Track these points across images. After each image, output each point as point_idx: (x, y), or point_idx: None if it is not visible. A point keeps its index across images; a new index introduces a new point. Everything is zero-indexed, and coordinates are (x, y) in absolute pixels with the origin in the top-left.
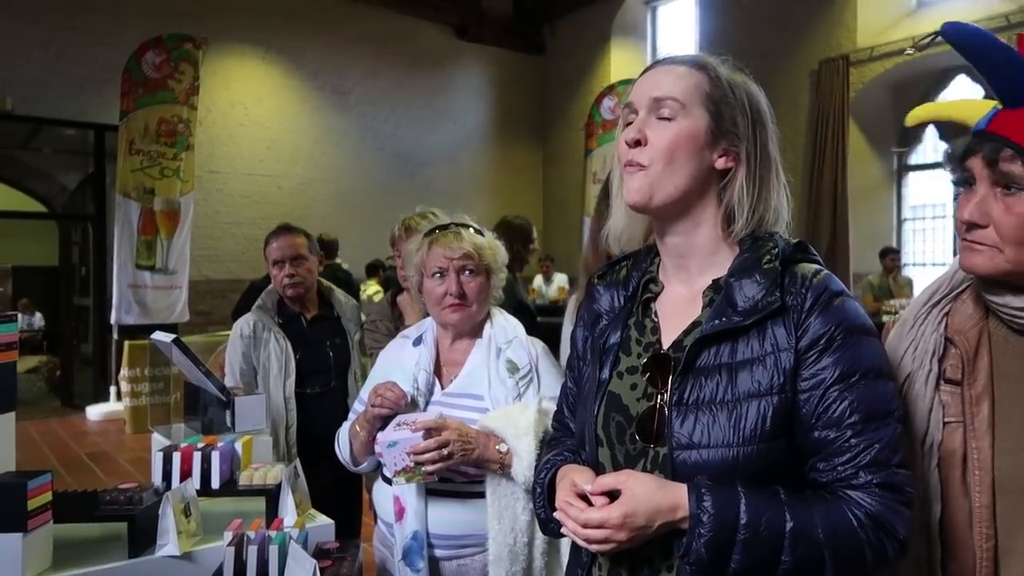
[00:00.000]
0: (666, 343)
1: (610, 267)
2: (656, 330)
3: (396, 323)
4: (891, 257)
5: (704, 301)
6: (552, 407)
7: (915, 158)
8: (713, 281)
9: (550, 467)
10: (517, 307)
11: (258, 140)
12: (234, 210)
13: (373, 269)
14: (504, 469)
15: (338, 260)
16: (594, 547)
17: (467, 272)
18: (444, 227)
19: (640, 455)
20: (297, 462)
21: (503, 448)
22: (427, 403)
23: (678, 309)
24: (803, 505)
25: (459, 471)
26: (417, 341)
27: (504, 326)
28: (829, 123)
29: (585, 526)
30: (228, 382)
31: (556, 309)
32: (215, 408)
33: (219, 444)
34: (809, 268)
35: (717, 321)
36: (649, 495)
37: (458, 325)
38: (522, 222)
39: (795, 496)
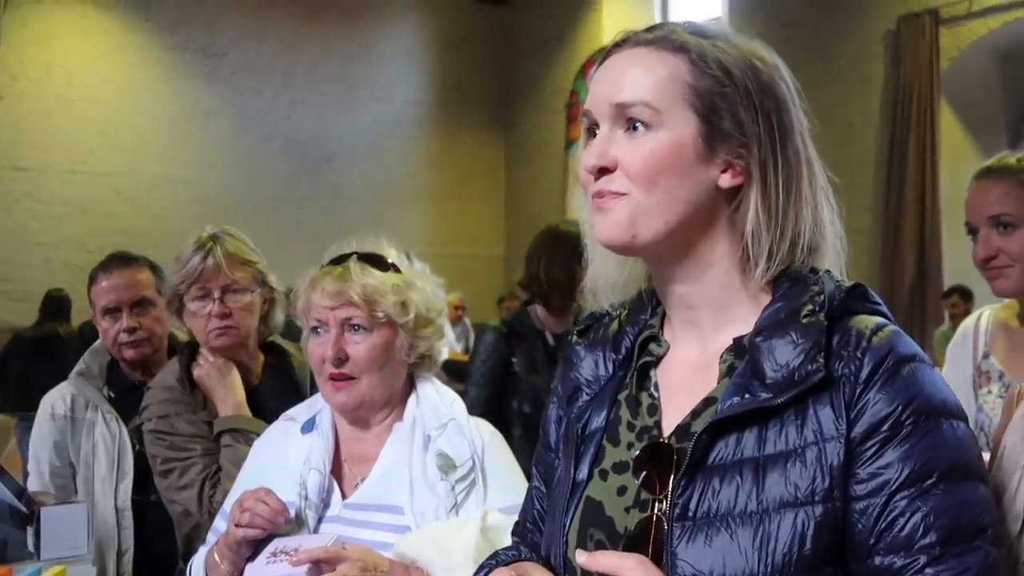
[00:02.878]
0: (667, 428)
1: (595, 320)
2: (655, 409)
3: (204, 412)
4: (952, 301)
5: (721, 368)
6: (503, 523)
7: None
8: (734, 340)
9: (490, 567)
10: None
11: (87, 121)
12: (49, 224)
13: None
14: None
15: None
16: None
17: (354, 328)
18: (344, 258)
19: None
20: None
21: None
22: (319, 520)
23: (686, 380)
24: None
25: None
26: (308, 426)
27: (436, 403)
28: (912, 104)
29: None
30: (32, 485)
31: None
32: (10, 524)
33: None
34: (867, 322)
35: (738, 399)
36: None
37: (345, 408)
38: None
39: None
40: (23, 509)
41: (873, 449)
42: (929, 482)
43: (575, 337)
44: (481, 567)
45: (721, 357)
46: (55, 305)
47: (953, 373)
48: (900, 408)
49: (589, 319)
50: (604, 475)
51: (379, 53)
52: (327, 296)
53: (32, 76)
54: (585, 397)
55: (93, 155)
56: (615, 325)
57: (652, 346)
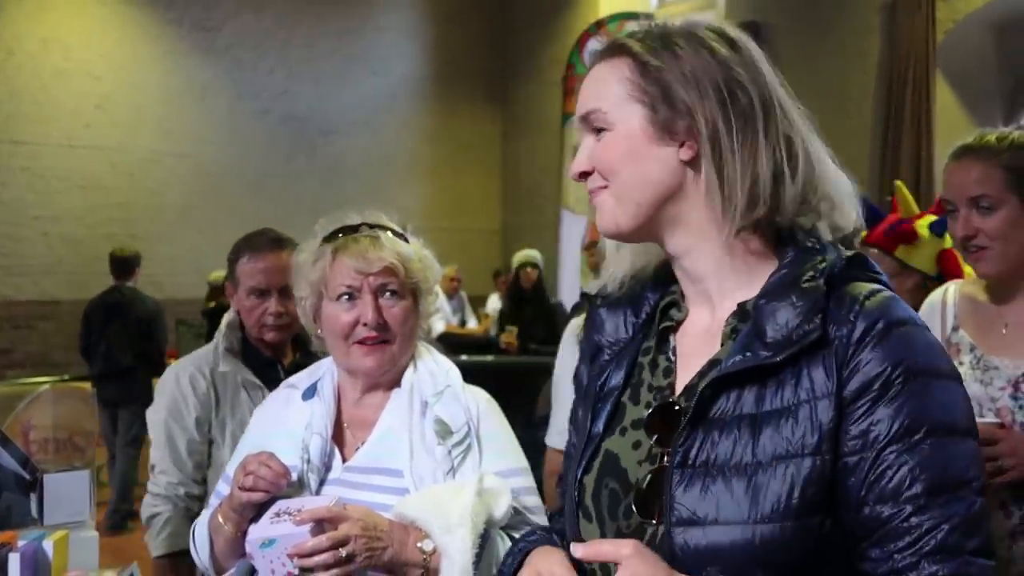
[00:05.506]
0: (680, 387)
1: (618, 284)
2: (671, 371)
3: None
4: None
5: (725, 332)
6: (498, 486)
7: None
8: (738, 306)
9: (517, 553)
10: None
11: (84, 96)
12: (46, 199)
13: None
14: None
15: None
16: None
17: (388, 294)
18: (353, 229)
19: (635, 534)
20: (135, 568)
21: (427, 546)
22: (321, 483)
23: (698, 344)
24: None
25: None
26: (309, 392)
27: (433, 371)
28: (908, 79)
29: None
30: (160, 462)
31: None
32: (13, 491)
33: (20, 543)
34: (863, 288)
35: (739, 358)
36: None
37: (375, 371)
38: None
39: None
40: (26, 476)
41: (864, 407)
42: (917, 437)
43: (598, 300)
44: (508, 555)
45: (726, 321)
46: (122, 265)
47: None
48: (890, 368)
49: (612, 283)
50: (623, 431)
51: (376, 27)
52: (364, 262)
53: (28, 50)
54: (606, 357)
55: (90, 129)
56: (638, 288)
57: (673, 311)
